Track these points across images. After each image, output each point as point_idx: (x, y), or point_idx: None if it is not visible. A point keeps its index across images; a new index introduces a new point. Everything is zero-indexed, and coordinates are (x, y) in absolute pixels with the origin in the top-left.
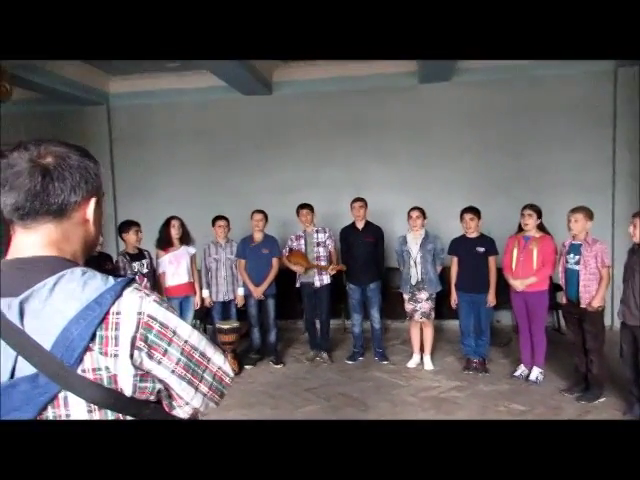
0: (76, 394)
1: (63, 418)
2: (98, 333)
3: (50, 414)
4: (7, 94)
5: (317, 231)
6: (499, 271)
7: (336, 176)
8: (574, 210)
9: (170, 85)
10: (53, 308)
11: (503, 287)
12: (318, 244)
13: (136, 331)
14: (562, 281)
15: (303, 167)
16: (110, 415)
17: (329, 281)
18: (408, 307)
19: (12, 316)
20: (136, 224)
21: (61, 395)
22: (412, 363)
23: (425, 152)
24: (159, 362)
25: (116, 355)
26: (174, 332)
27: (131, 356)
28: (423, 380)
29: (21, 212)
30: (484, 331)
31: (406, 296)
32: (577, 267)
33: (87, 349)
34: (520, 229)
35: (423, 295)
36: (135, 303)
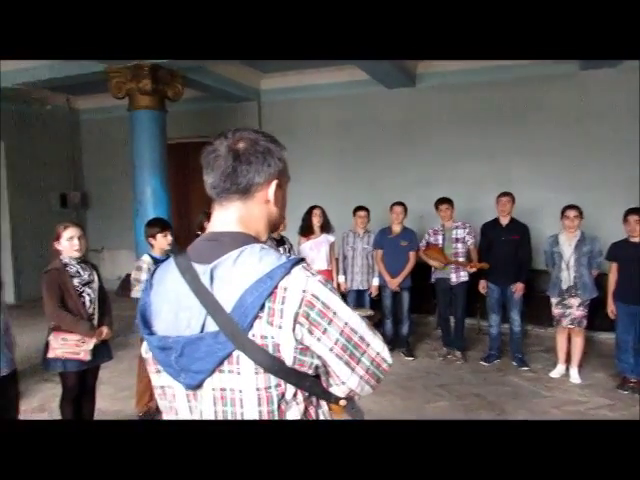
0: (246, 355)
1: (235, 374)
2: (267, 304)
3: (226, 368)
4: (179, 94)
5: (456, 227)
6: None
7: (478, 170)
8: None
9: (315, 80)
10: (234, 277)
11: None
12: (457, 240)
13: (299, 307)
14: None
15: (444, 160)
16: (273, 380)
17: (467, 278)
18: (556, 311)
19: (205, 280)
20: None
21: (235, 354)
22: (556, 373)
23: (581, 146)
24: (318, 339)
25: (280, 327)
26: (334, 313)
27: (293, 330)
28: (568, 393)
29: (217, 190)
30: None
31: (554, 300)
32: None
33: (257, 317)
34: None
35: (575, 301)
36: (301, 281)
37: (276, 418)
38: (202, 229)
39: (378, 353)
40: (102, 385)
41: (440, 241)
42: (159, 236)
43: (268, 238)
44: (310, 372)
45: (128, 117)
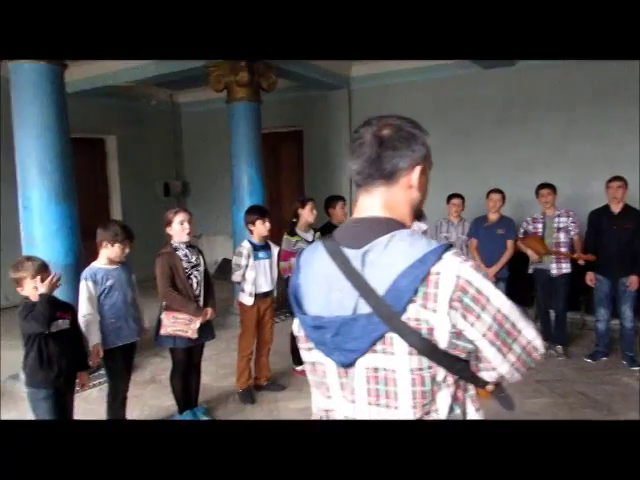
0: (400, 336)
1: (389, 354)
2: (420, 288)
3: (379, 348)
4: (274, 84)
5: (559, 215)
6: None
7: (585, 153)
8: None
9: (406, 65)
10: (386, 261)
11: None
12: (559, 229)
13: (453, 292)
14: None
15: (546, 143)
16: (425, 362)
17: (569, 270)
18: None
19: (356, 264)
20: (342, 199)
21: (388, 335)
22: None
23: None
24: (472, 325)
25: (434, 310)
26: (487, 299)
27: (447, 314)
28: None
29: (362, 176)
30: None
31: None
32: None
33: (411, 300)
34: None
35: None
36: (454, 266)
37: (428, 399)
38: (297, 216)
39: (529, 341)
40: (204, 362)
41: (540, 230)
42: (258, 223)
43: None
44: (463, 356)
45: (226, 109)
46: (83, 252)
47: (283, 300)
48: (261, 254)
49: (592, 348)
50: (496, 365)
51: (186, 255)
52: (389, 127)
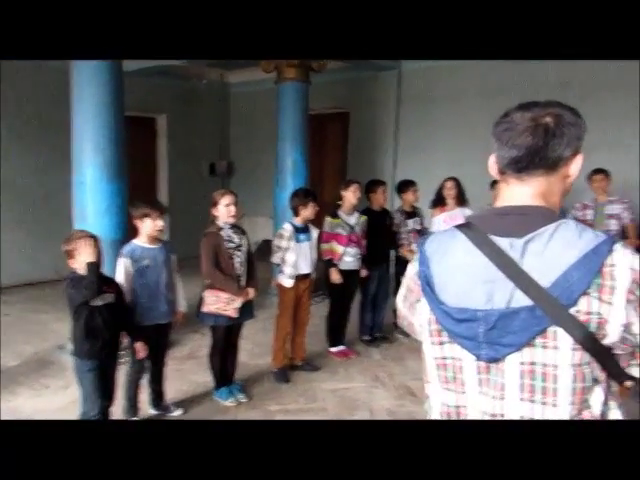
0: (566, 331)
1: (550, 349)
2: (595, 280)
3: (538, 342)
4: (324, 65)
5: (611, 201)
6: None
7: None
8: None
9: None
10: (553, 252)
11: None
12: (611, 216)
13: (630, 284)
14: None
15: (605, 126)
16: (586, 357)
17: None
18: None
19: (514, 254)
20: (414, 184)
21: (551, 329)
22: None
23: None
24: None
25: (610, 303)
26: None
27: (624, 307)
28: None
29: (520, 165)
30: None
31: None
32: None
33: (584, 293)
34: None
35: None
36: (628, 259)
37: (587, 396)
38: (341, 199)
39: None
40: (242, 340)
41: (590, 217)
42: (310, 206)
43: (399, 210)
44: (625, 351)
45: (276, 90)
46: (129, 229)
47: (321, 282)
48: (302, 237)
49: None
50: None
51: (230, 236)
52: (551, 114)
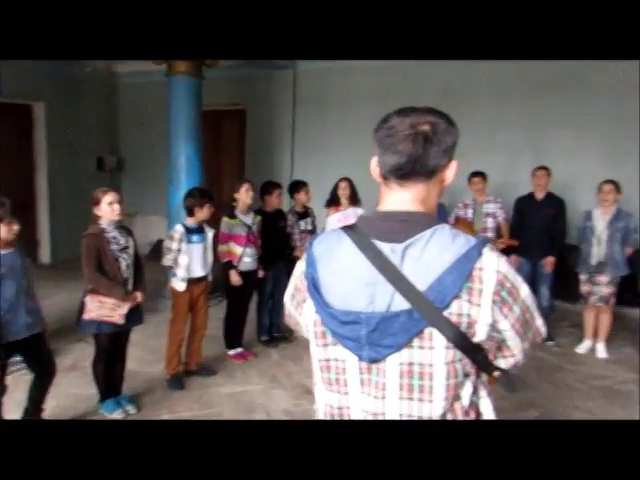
0: (440, 331)
1: (427, 349)
2: (465, 284)
3: (416, 344)
4: (216, 61)
5: (488, 201)
6: None
7: (514, 141)
8: None
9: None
10: (429, 257)
11: None
12: (487, 215)
13: (495, 286)
14: None
15: (479, 131)
16: (458, 355)
17: None
18: (584, 289)
19: (394, 259)
20: (306, 184)
21: (427, 330)
22: (582, 348)
23: (628, 119)
24: (505, 317)
25: (479, 305)
26: (518, 292)
27: (490, 308)
28: (593, 368)
29: (401, 172)
30: None
31: (583, 277)
32: None
33: (456, 296)
34: None
35: (604, 278)
36: (494, 262)
37: (459, 390)
38: (234, 199)
39: (538, 327)
40: (131, 347)
41: (470, 215)
42: (207, 206)
43: (291, 211)
44: (491, 347)
45: (166, 83)
46: None
47: (219, 284)
48: (195, 238)
49: None
50: (515, 353)
51: (115, 237)
52: (429, 122)
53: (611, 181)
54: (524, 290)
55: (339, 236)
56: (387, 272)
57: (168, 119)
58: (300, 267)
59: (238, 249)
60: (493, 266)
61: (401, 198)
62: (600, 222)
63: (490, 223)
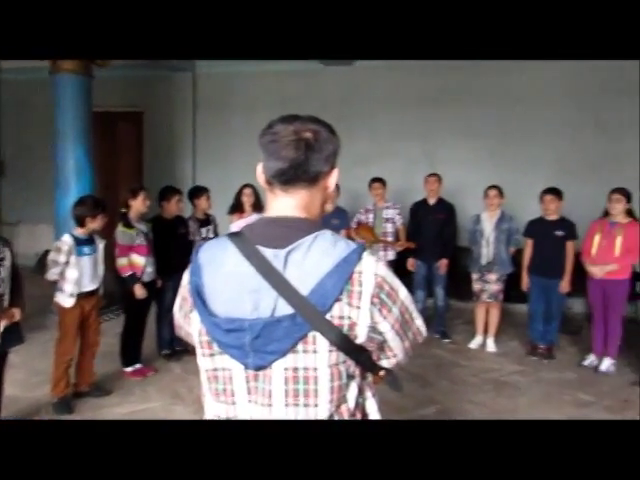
0: (323, 335)
1: (310, 353)
2: (346, 287)
3: (300, 348)
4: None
5: (387, 207)
6: (576, 257)
7: (412, 150)
8: None
9: None
10: (311, 262)
11: (578, 274)
12: (387, 220)
13: (374, 289)
14: None
15: (379, 139)
16: (341, 357)
17: (394, 257)
18: (476, 287)
19: (277, 264)
20: (207, 190)
21: (311, 334)
22: (474, 344)
23: (508, 128)
24: (384, 318)
25: (359, 307)
26: (397, 293)
27: (369, 310)
28: (484, 362)
29: (284, 177)
30: (555, 317)
31: (475, 276)
32: None
33: (337, 299)
34: (606, 213)
35: (493, 276)
36: (372, 265)
37: (343, 392)
38: (127, 206)
39: (418, 327)
40: (12, 369)
41: (371, 220)
42: (100, 217)
43: (191, 218)
44: (373, 347)
45: (50, 80)
46: None
47: (114, 297)
48: (86, 249)
49: None
50: (397, 353)
51: None
52: (311, 130)
53: (495, 186)
54: (402, 292)
55: (224, 243)
56: (271, 278)
57: (55, 119)
58: (186, 277)
59: (141, 260)
60: (372, 269)
61: (285, 204)
62: (487, 225)
63: (390, 227)
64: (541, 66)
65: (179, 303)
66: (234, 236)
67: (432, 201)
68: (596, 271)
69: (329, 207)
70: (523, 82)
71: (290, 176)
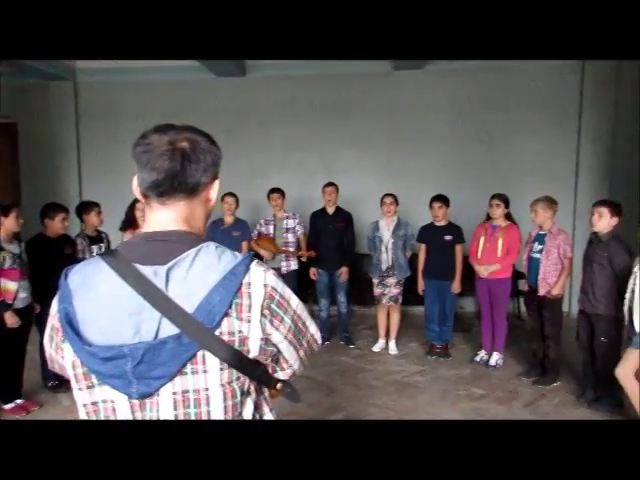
0: (213, 353)
1: (200, 374)
2: (234, 301)
3: (188, 369)
4: None
5: (287, 217)
6: (465, 259)
7: (309, 160)
8: (535, 201)
9: (138, 63)
10: (195, 277)
11: (468, 275)
12: (287, 230)
13: (263, 300)
14: (525, 269)
15: (276, 150)
16: (235, 374)
17: (296, 267)
18: (377, 291)
19: (158, 282)
20: (97, 205)
21: (200, 353)
22: (377, 347)
23: (399, 139)
24: (277, 328)
25: (249, 320)
26: (288, 302)
27: (260, 322)
28: (387, 364)
29: (160, 189)
30: (448, 317)
31: (375, 281)
32: (539, 256)
33: (225, 314)
34: (488, 218)
35: (392, 280)
36: (261, 276)
37: (239, 410)
38: None
39: (312, 335)
40: None
41: (271, 231)
42: None
43: (80, 235)
44: (269, 360)
45: None
46: None
47: None
48: None
49: None
50: (292, 363)
51: None
52: (187, 140)
53: (390, 194)
54: (294, 301)
55: (96, 264)
56: (152, 297)
57: None
58: (54, 303)
59: (12, 285)
60: (260, 280)
61: (164, 218)
62: (385, 231)
63: (291, 237)
64: (428, 81)
65: (49, 334)
66: (107, 255)
67: (331, 210)
68: (481, 271)
69: (228, 219)
70: (411, 95)
71: (166, 188)
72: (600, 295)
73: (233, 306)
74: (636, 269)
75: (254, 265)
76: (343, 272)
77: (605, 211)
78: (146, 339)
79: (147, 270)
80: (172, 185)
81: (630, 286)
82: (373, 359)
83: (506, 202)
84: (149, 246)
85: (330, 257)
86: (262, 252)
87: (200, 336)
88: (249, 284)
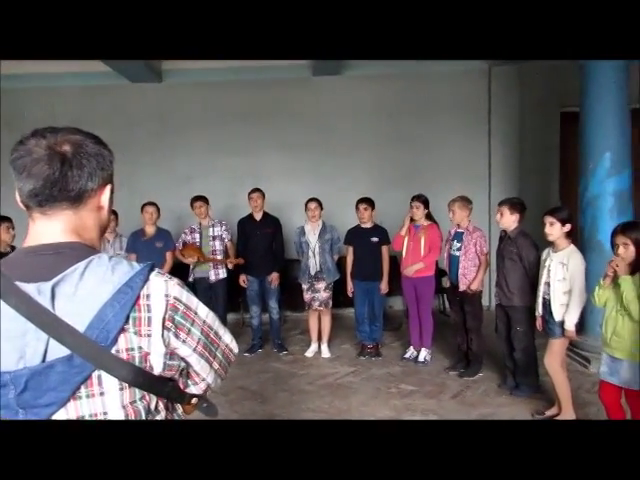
0: (110, 373)
1: (97, 397)
2: (131, 315)
3: (83, 393)
4: None
5: (213, 225)
6: (391, 259)
7: (234, 166)
8: (452, 200)
9: (50, 69)
10: (86, 292)
11: (395, 274)
12: (214, 238)
13: (165, 312)
14: (446, 266)
15: (198, 157)
16: (138, 393)
17: (225, 275)
18: (307, 297)
19: (43, 300)
20: (8, 219)
21: (95, 374)
22: (310, 352)
23: (323, 143)
24: (184, 341)
25: (149, 335)
26: (195, 313)
27: (162, 336)
28: (320, 368)
29: (39, 198)
30: (378, 317)
31: (305, 286)
32: (459, 253)
33: (122, 330)
34: (412, 219)
35: (321, 284)
36: (162, 286)
37: None
38: None
39: (227, 345)
40: None
41: (197, 240)
42: None
43: None
44: (176, 376)
45: None
46: None
47: None
48: None
49: (250, 343)
50: (205, 376)
51: None
52: (70, 142)
53: (315, 199)
54: (202, 310)
55: None
56: (36, 318)
57: None
58: None
59: None
60: (161, 291)
61: (48, 229)
62: (312, 236)
63: (218, 245)
64: (347, 87)
65: None
66: None
67: (258, 216)
68: (407, 270)
69: (149, 230)
70: (331, 101)
71: (45, 196)
72: (513, 288)
73: (130, 321)
74: (547, 262)
75: (154, 275)
76: (274, 278)
77: (504, 209)
78: (32, 364)
79: (30, 288)
80: (52, 193)
81: (543, 279)
82: (306, 364)
83: (426, 203)
84: (31, 261)
85: (260, 263)
86: (188, 261)
87: (94, 356)
88: (148, 296)
